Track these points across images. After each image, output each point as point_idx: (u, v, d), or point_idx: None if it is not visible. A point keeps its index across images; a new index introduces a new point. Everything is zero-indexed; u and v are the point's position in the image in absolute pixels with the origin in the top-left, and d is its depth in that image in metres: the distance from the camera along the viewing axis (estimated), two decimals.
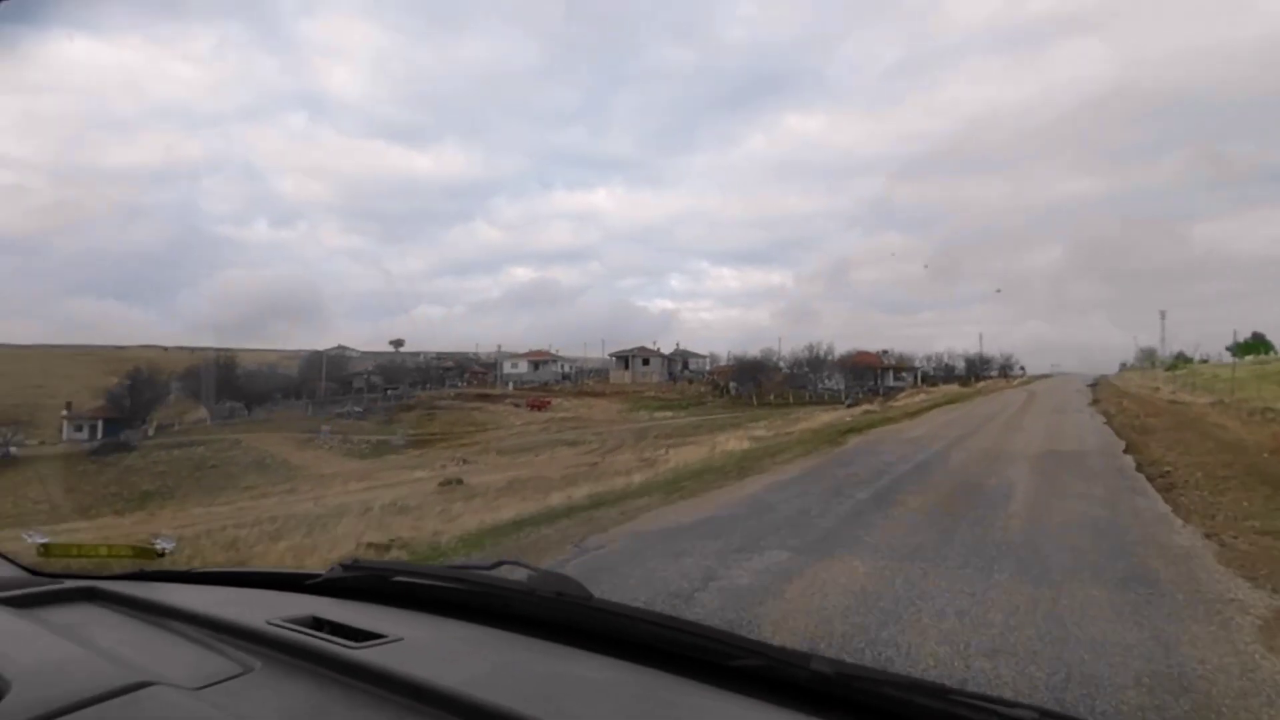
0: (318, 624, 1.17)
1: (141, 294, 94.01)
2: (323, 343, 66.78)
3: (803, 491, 8.39)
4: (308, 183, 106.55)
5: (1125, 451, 11.79)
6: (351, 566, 1.44)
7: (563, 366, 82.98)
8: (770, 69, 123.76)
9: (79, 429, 46.99)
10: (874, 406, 32.17)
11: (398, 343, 75.72)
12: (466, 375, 79.34)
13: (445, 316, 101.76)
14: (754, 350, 65.16)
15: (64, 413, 47.50)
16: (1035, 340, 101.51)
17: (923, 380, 68.60)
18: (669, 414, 49.73)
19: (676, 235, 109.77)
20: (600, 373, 77.78)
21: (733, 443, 15.58)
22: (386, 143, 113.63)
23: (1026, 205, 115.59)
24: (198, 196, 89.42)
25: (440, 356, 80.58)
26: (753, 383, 59.98)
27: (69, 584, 1.43)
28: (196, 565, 1.92)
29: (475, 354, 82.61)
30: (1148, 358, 69.29)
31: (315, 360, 75.46)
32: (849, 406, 38.90)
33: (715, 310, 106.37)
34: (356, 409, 53.27)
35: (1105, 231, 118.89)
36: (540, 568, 1.31)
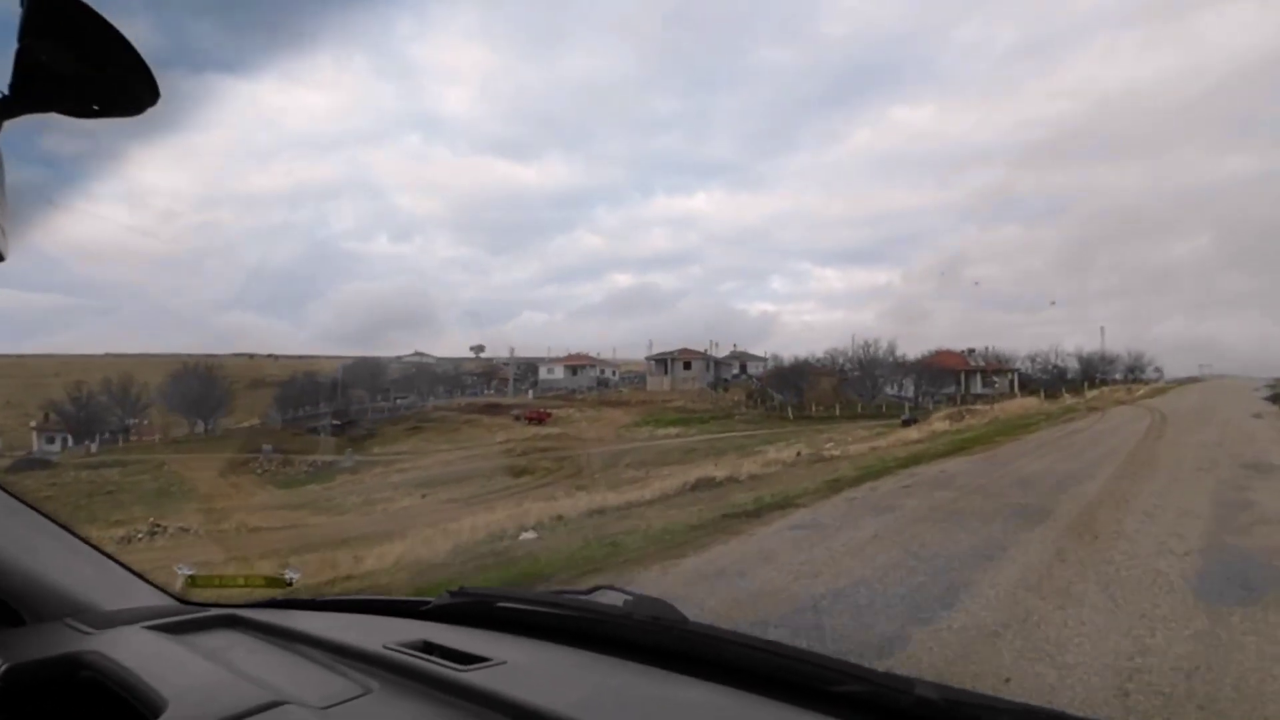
0: (429, 648, 1.22)
1: (279, 307, 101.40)
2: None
3: None
4: (422, 199, 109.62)
5: None
6: (459, 594, 1.48)
7: (601, 371, 75.64)
8: (874, 62, 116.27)
9: (50, 441, 44.15)
10: (939, 425, 21.71)
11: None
12: (495, 381, 73.89)
13: (548, 323, 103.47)
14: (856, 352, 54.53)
15: (33, 424, 44.78)
16: (1175, 339, 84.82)
17: (1020, 386, 55.18)
18: (676, 431, 40.36)
19: (777, 237, 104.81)
20: (641, 379, 70.13)
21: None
22: (494, 158, 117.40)
23: (1167, 189, 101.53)
24: (326, 215, 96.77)
25: (467, 361, 75.92)
26: (794, 391, 49.30)
27: (213, 611, 1.58)
28: (321, 595, 1.92)
29: (535, 359, 77.10)
30: None
31: (353, 368, 72.71)
32: (905, 425, 28.64)
33: (818, 312, 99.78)
34: (335, 422, 47.57)
35: (1263, 213, 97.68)
36: (636, 591, 1.33)
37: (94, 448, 41.44)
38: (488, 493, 23.25)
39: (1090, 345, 61.38)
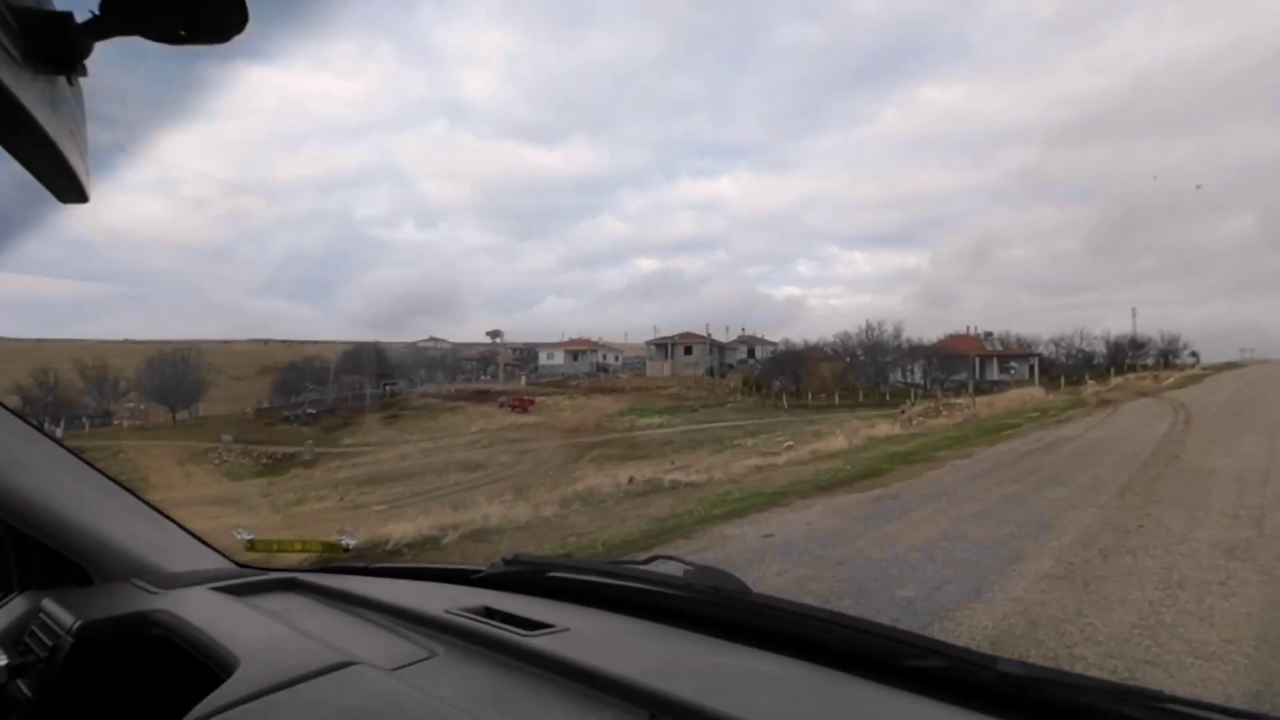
0: (489, 613, 1.21)
1: (308, 293, 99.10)
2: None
3: None
4: (448, 185, 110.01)
5: None
6: (513, 561, 1.46)
7: (604, 356, 73.39)
8: (904, 39, 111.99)
9: None
10: (884, 429, 18.77)
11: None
12: (491, 367, 72.16)
13: (571, 308, 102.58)
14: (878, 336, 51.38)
15: None
16: (1216, 322, 79.43)
17: (1041, 371, 51.64)
18: (659, 420, 37.78)
19: (803, 220, 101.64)
20: (641, 364, 67.93)
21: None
22: (519, 143, 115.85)
23: (1210, 167, 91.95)
24: (353, 202, 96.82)
25: (466, 346, 74.40)
26: (792, 377, 46.35)
27: (273, 575, 1.62)
28: (375, 561, 1.88)
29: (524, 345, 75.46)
30: None
31: (354, 354, 71.60)
32: (903, 414, 26.24)
33: (845, 296, 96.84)
34: (310, 410, 45.93)
35: None
36: (694, 561, 1.26)
37: (58, 432, 40.25)
38: (419, 494, 21.03)
39: (1124, 329, 57.26)
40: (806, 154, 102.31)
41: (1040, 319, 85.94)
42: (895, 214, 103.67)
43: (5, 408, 1.46)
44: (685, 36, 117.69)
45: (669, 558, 1.33)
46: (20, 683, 1.32)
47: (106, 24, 0.50)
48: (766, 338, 65.71)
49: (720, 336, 63.77)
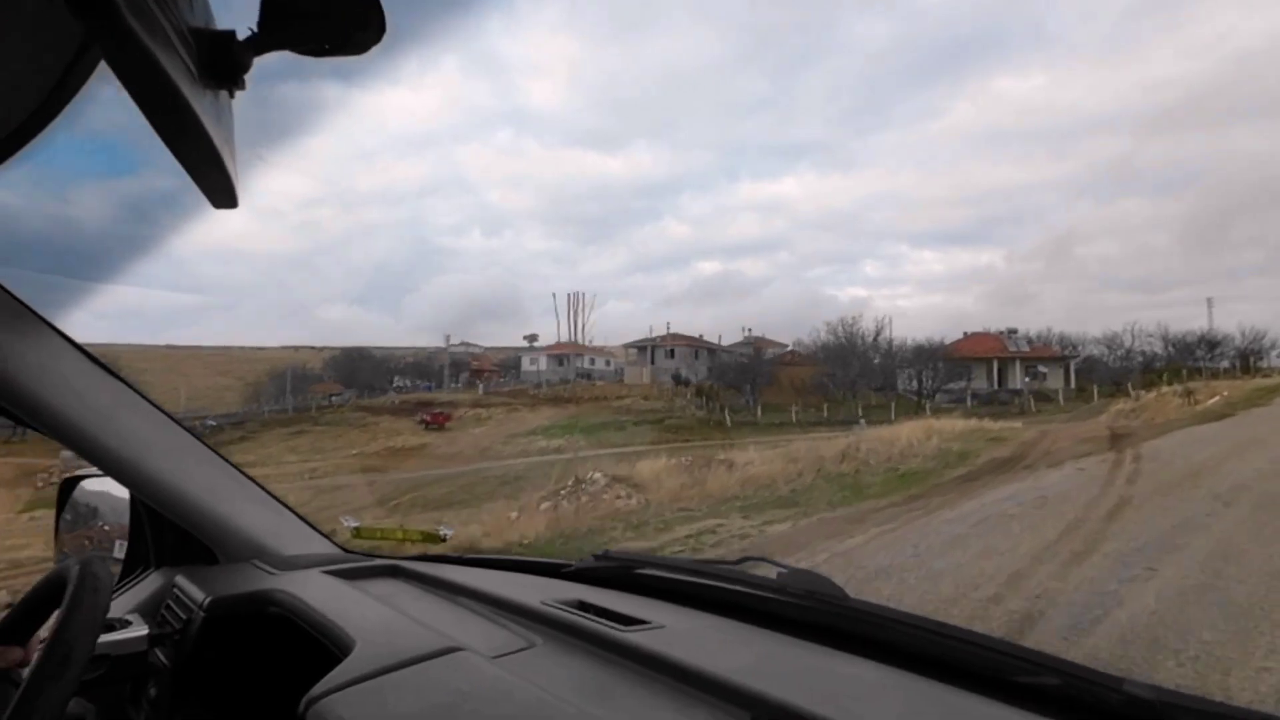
0: (584, 607, 1.22)
1: (379, 301, 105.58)
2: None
3: None
4: (512, 193, 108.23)
5: None
6: (603, 557, 1.47)
7: (590, 361, 67.13)
8: (977, 29, 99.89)
9: None
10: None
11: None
12: (466, 374, 67.17)
13: (632, 311, 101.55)
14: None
15: None
16: None
17: (1075, 376, 41.87)
18: (558, 443, 30.82)
19: (869, 219, 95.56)
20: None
21: None
22: (582, 149, 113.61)
23: None
24: (423, 212, 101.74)
25: (440, 351, 69.77)
26: (749, 386, 38.38)
27: (378, 562, 1.69)
28: (469, 552, 1.99)
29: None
30: None
31: (340, 360, 69.00)
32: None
33: (914, 296, 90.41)
34: (211, 422, 41.49)
35: None
36: (789, 565, 1.22)
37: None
38: None
39: (1220, 326, 46.03)
40: (873, 152, 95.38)
41: (1125, 318, 78.39)
42: (967, 211, 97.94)
43: (143, 396, 1.49)
44: (747, 36, 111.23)
45: (761, 559, 1.32)
46: (159, 652, 1.41)
47: (264, 40, 0.53)
48: (778, 339, 57.45)
49: (694, 337, 55.72)
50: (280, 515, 1.74)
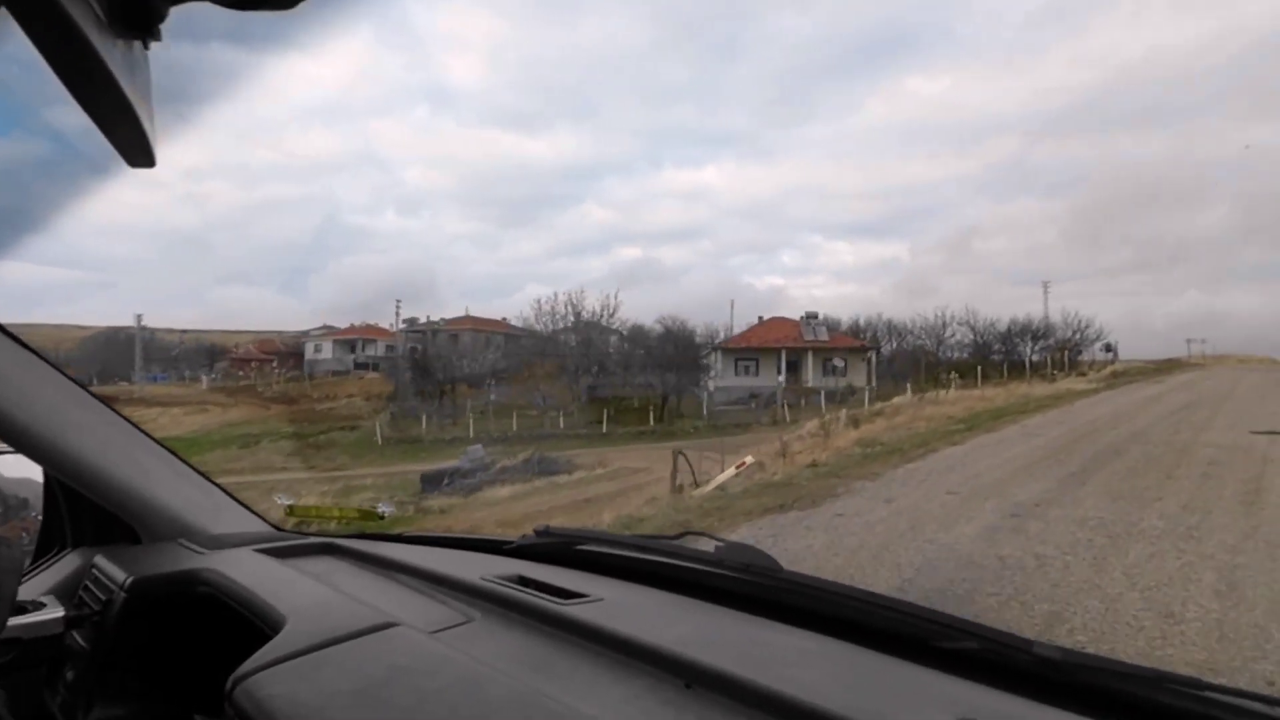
0: (524, 582, 1.22)
1: (284, 282, 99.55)
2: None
3: None
4: (430, 172, 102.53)
5: None
6: (544, 533, 1.48)
7: (389, 348, 57.34)
8: (893, 30, 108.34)
9: None
10: None
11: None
12: (224, 362, 56.16)
13: (553, 298, 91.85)
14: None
15: None
16: (1191, 312, 79.01)
17: (875, 370, 35.49)
18: None
19: (788, 210, 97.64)
20: None
21: None
22: (503, 130, 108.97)
23: (1189, 160, 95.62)
24: (335, 190, 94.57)
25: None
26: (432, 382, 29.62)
27: (313, 539, 1.67)
28: (409, 530, 1.95)
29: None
30: None
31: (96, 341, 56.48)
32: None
33: (827, 286, 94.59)
34: None
35: None
36: (725, 538, 1.26)
37: None
38: None
39: (1103, 318, 42.16)
40: (793, 144, 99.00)
41: (1018, 310, 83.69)
42: (878, 204, 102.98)
43: (63, 373, 1.45)
44: (674, 24, 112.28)
45: (699, 534, 1.34)
46: (76, 634, 1.38)
47: None
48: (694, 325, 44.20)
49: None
50: (208, 493, 1.72)
